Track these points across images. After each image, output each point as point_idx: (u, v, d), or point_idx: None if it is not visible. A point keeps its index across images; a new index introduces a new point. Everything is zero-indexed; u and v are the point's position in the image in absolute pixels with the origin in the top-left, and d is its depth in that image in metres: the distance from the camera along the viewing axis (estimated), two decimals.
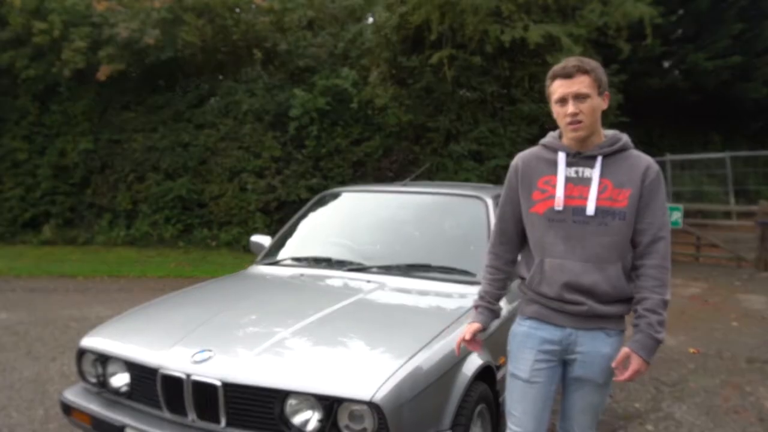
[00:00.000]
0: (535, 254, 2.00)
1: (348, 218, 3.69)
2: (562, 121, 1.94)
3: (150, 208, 11.45)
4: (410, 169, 11.62)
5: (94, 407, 2.38)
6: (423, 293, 2.90)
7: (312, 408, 1.99)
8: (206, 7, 11.21)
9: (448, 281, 2.95)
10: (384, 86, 11.20)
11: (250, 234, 11.08)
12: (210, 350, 2.20)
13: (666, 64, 18.30)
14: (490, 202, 3.38)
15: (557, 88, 1.92)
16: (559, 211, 1.92)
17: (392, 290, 2.87)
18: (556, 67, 1.94)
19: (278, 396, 2.01)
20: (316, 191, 11.34)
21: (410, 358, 2.11)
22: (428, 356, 2.18)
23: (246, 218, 11.23)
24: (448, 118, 11.67)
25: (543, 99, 11.58)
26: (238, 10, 11.83)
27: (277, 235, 3.70)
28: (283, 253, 3.48)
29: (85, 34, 10.75)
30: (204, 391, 2.11)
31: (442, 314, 2.61)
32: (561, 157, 1.97)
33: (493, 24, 10.37)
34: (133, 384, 2.36)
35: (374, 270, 3.06)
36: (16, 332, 5.60)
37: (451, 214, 3.47)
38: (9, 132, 11.81)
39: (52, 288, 8.03)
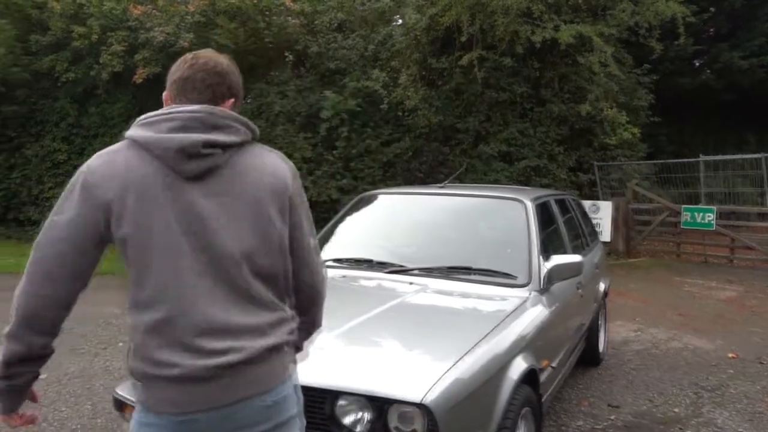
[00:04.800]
0: None
1: (388, 220, 3.74)
2: None
3: None
4: (440, 170, 11.64)
5: None
6: (464, 295, 2.93)
7: (362, 408, 2.04)
8: (239, 10, 11.38)
9: (489, 284, 2.99)
10: (414, 88, 11.24)
11: None
12: None
13: (697, 63, 18.03)
14: (529, 204, 3.40)
15: None
16: None
17: (435, 292, 2.91)
18: None
19: (329, 396, 2.07)
20: (347, 192, 11.44)
21: (458, 361, 2.14)
22: (475, 359, 2.21)
23: None
24: (478, 119, 11.67)
25: (574, 99, 11.56)
26: (269, 13, 11.97)
27: (317, 236, 3.76)
28: (323, 255, 3.53)
29: (122, 38, 11.02)
30: None
31: (486, 317, 2.64)
32: None
33: (523, 25, 10.35)
34: None
35: (415, 272, 3.11)
36: (60, 328, 5.76)
37: (491, 216, 3.50)
38: (49, 133, 12.14)
39: (93, 286, 8.14)
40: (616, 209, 11.01)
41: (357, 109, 11.22)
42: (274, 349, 1.40)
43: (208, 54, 1.50)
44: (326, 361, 2.21)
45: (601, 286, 4.72)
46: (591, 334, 4.37)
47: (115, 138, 11.95)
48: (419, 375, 2.06)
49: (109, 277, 9.43)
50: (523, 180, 11.01)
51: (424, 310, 2.77)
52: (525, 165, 11.35)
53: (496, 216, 3.48)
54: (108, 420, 3.69)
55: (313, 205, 11.13)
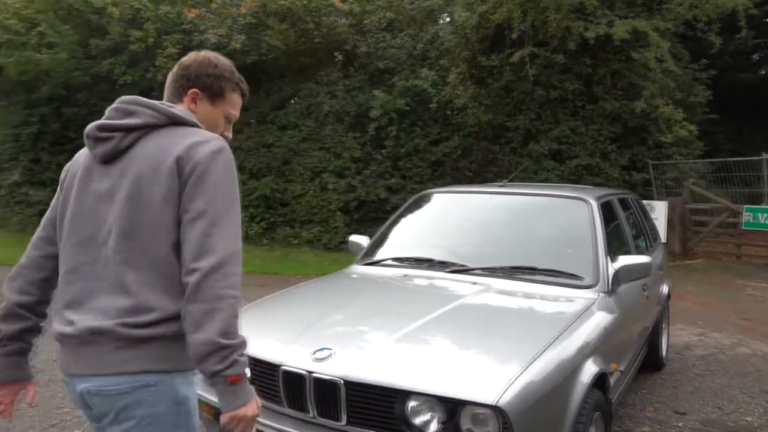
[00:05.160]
0: None
1: (447, 219, 3.71)
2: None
3: None
4: (489, 169, 11.53)
5: (217, 399, 2.50)
6: (529, 296, 2.88)
7: (434, 409, 2.02)
8: (289, 11, 11.53)
9: (554, 284, 2.92)
10: (463, 86, 11.15)
11: (330, 233, 11.38)
12: (330, 348, 2.27)
13: (757, 57, 17.32)
14: (594, 203, 3.32)
15: (236, 103, 1.66)
16: None
17: (499, 293, 2.86)
18: (244, 82, 1.67)
19: (400, 396, 2.05)
20: (395, 191, 11.46)
21: (530, 363, 2.10)
22: (546, 362, 2.16)
23: (327, 217, 11.47)
24: (528, 117, 11.51)
25: (627, 96, 11.27)
26: (319, 13, 12.08)
27: (376, 235, 3.76)
28: (383, 253, 3.53)
29: (177, 40, 11.30)
30: (325, 389, 2.18)
31: (555, 318, 2.59)
32: None
33: (576, 21, 10.14)
34: (253, 379, 2.46)
35: (477, 272, 3.07)
36: None
37: (554, 215, 3.43)
38: None
39: None
40: (671, 209, 10.68)
41: (406, 108, 11.22)
42: (100, 333, 1.34)
43: (193, 53, 1.63)
44: (396, 361, 2.20)
45: (664, 288, 4.58)
46: (653, 338, 4.24)
47: None
48: (493, 377, 2.02)
49: None
50: (575, 179, 10.80)
51: (490, 310, 2.73)
52: (576, 164, 11.14)
53: (560, 215, 3.40)
54: None
55: (362, 204, 11.38)
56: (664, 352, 4.59)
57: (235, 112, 1.67)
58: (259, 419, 2.34)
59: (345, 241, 11.04)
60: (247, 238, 11.65)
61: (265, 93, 12.37)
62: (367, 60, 12.24)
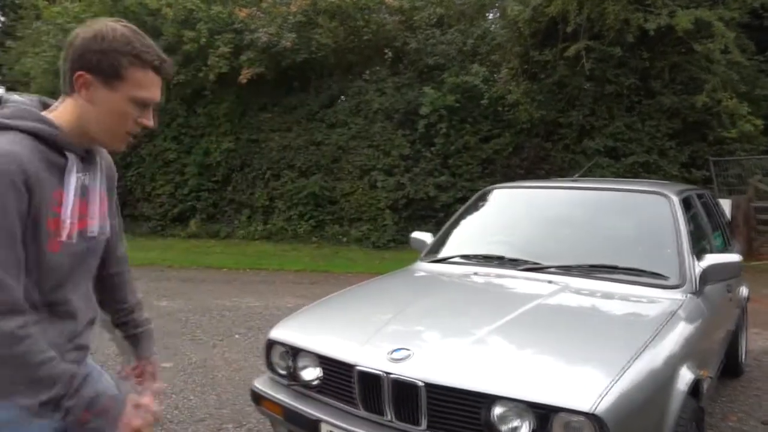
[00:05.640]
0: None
1: (516, 215, 3.57)
2: (121, 126, 1.32)
3: (285, 204, 11.96)
4: (541, 166, 11.28)
5: (289, 400, 2.44)
6: (609, 296, 2.72)
7: (522, 416, 1.90)
8: (338, 9, 11.51)
9: (636, 284, 2.75)
10: (515, 82, 10.92)
11: (379, 231, 11.32)
12: (408, 348, 2.17)
13: None
14: (675, 198, 3.13)
15: (145, 82, 1.30)
16: (72, 244, 1.32)
17: (578, 293, 2.71)
18: (152, 52, 1.30)
19: (486, 401, 1.94)
20: (444, 189, 11.32)
21: (625, 369, 1.95)
22: (641, 368, 2.01)
23: (375, 215, 11.41)
24: (582, 113, 11.20)
25: (687, 90, 10.83)
26: (368, 10, 12.03)
27: (440, 232, 3.65)
28: (449, 250, 3.42)
29: (228, 40, 11.42)
30: (404, 391, 2.08)
31: (643, 321, 2.42)
32: (72, 160, 1.31)
33: (635, 12, 9.80)
34: (325, 379, 2.38)
35: (552, 270, 2.92)
36: (179, 319, 6.00)
37: (631, 211, 3.25)
38: (161, 134, 12.79)
39: (202, 278, 8.57)
40: (735, 208, 10.18)
41: (456, 104, 11.06)
42: None
43: (85, 26, 1.31)
44: (480, 364, 2.08)
45: (744, 290, 4.32)
46: (732, 342, 3.99)
47: (220, 137, 12.56)
48: (588, 383, 1.89)
49: (214, 270, 9.73)
50: (631, 177, 10.44)
51: (572, 311, 2.59)
52: (633, 161, 10.78)
53: (639, 211, 3.22)
54: (233, 411, 3.75)
55: (410, 202, 11.28)
56: (743, 358, 4.33)
57: (148, 94, 1.30)
58: (333, 421, 2.27)
59: (394, 239, 11.14)
60: (296, 236, 11.72)
61: (314, 91, 12.39)
62: (416, 56, 12.12)
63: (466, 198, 11.35)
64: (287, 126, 12.31)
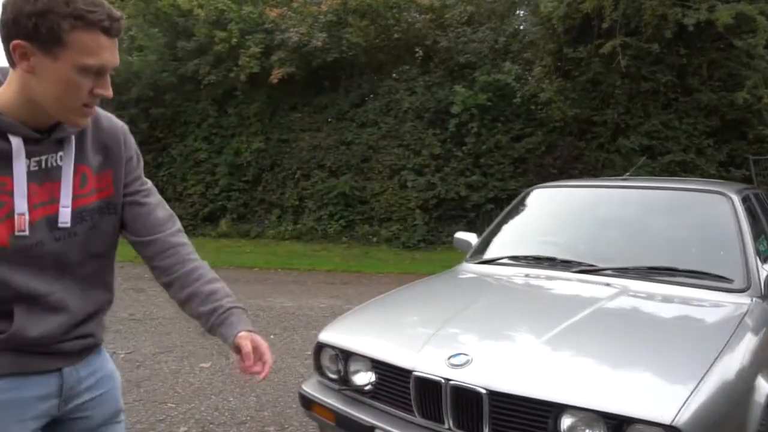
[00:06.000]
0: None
1: (565, 215, 3.45)
2: (73, 98, 1.17)
3: (315, 204, 11.94)
4: (575, 165, 11.08)
5: (341, 405, 2.37)
6: (669, 300, 2.59)
7: (593, 426, 1.81)
8: (369, 8, 11.46)
9: (698, 287, 2.63)
10: (549, 79, 10.75)
11: (409, 231, 11.23)
12: (467, 354, 2.09)
13: None
14: (736, 198, 3.00)
15: (92, 46, 1.13)
16: (26, 236, 1.20)
17: (637, 297, 2.60)
18: (99, 11, 1.12)
19: (553, 410, 1.85)
20: (476, 189, 11.19)
21: (703, 379, 1.84)
22: (718, 378, 1.90)
23: (405, 215, 11.33)
24: (617, 111, 10.98)
25: (725, 87, 10.54)
26: (398, 9, 11.96)
27: (486, 232, 3.56)
28: (496, 251, 3.32)
29: (259, 40, 11.44)
30: (464, 398, 2.00)
31: (713, 327, 2.31)
32: (17, 144, 1.18)
33: (672, 7, 9.57)
34: (378, 384, 2.31)
35: (608, 272, 2.81)
36: None
37: (689, 211, 3.12)
38: (192, 134, 12.87)
39: (234, 278, 8.57)
40: None
41: (487, 103, 10.92)
42: None
43: None
44: (545, 371, 1.99)
45: None
46: None
47: (250, 137, 12.61)
48: (665, 393, 1.79)
49: (246, 270, 9.74)
50: (667, 176, 10.20)
51: (634, 316, 2.48)
52: (669, 159, 10.52)
53: (696, 211, 3.09)
54: (274, 413, 3.71)
55: (441, 202, 11.18)
56: None
57: (97, 60, 1.14)
58: (388, 428, 2.20)
59: (424, 239, 11.06)
60: (326, 236, 11.69)
61: (344, 90, 12.35)
62: (447, 55, 12.00)
63: (497, 198, 11.25)
64: (317, 126, 12.28)
